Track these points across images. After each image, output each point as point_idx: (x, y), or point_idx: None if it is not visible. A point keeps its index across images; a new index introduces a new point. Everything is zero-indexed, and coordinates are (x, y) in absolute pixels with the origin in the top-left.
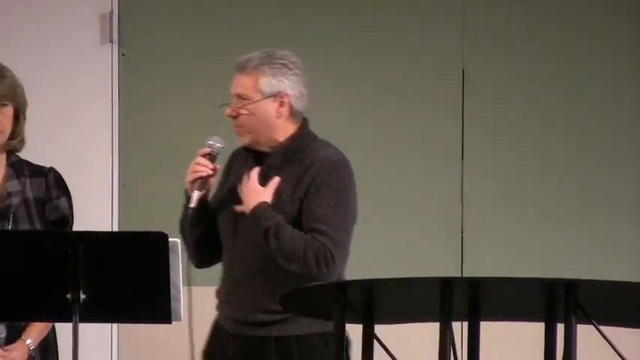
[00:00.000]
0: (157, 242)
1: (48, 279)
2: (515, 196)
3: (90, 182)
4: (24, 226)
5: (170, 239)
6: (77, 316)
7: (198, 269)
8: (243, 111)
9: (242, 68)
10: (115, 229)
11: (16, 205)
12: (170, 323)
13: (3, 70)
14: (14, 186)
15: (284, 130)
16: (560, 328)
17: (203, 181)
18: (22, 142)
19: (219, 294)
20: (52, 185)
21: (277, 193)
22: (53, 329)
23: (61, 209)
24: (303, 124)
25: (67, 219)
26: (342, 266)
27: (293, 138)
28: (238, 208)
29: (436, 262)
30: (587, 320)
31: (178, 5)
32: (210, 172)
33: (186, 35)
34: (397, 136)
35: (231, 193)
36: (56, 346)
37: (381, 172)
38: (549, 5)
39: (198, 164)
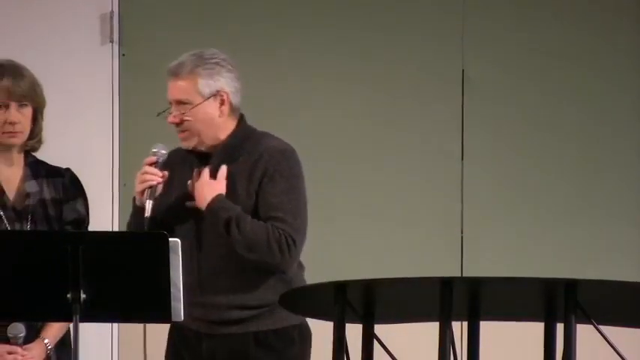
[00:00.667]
0: (157, 242)
1: (48, 279)
2: (515, 196)
3: (90, 182)
4: (42, 226)
5: (170, 239)
6: (77, 316)
7: None
8: (187, 117)
9: (176, 74)
10: (115, 229)
11: (35, 206)
12: (170, 323)
13: (22, 70)
14: (32, 186)
15: (225, 127)
16: (560, 328)
17: (153, 190)
18: (40, 142)
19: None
20: (68, 186)
21: (232, 190)
22: (68, 329)
23: (78, 210)
24: (241, 118)
25: (84, 220)
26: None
27: (234, 134)
28: (189, 203)
29: (436, 262)
30: (587, 320)
31: (178, 5)
32: (160, 179)
33: (186, 35)
34: (397, 136)
35: (182, 197)
36: (71, 347)
37: (381, 172)
38: (549, 6)
39: (147, 173)
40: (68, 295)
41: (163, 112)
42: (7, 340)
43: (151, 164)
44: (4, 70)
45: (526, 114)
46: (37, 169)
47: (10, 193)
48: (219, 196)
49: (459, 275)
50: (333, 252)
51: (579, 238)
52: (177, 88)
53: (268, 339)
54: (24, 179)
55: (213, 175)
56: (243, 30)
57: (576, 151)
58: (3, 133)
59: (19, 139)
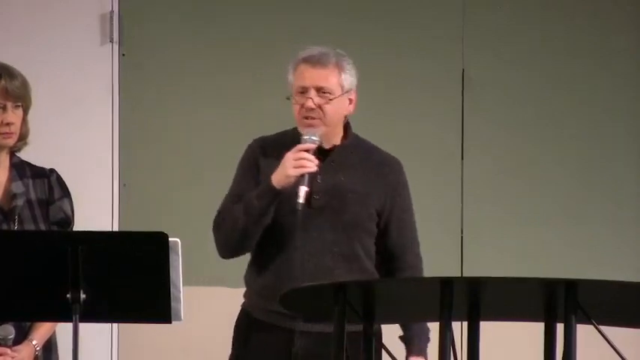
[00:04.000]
0: (157, 242)
1: (48, 279)
2: (515, 195)
3: (90, 182)
4: (29, 227)
5: (170, 239)
6: (77, 316)
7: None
8: (327, 105)
9: (320, 62)
10: (115, 229)
11: (21, 207)
12: (170, 323)
13: (13, 70)
14: (18, 187)
15: (340, 127)
16: (560, 328)
17: (307, 176)
18: (26, 142)
19: (269, 290)
20: (54, 186)
21: (355, 190)
22: (55, 330)
23: (64, 210)
24: (349, 122)
25: (70, 220)
26: None
27: (349, 135)
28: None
29: (436, 262)
30: (587, 320)
31: (178, 5)
32: (317, 168)
33: (187, 35)
34: (397, 135)
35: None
36: (57, 347)
37: None
38: (549, 6)
39: (305, 159)
40: (68, 296)
41: (288, 98)
42: None
43: (306, 151)
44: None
45: (526, 114)
46: (23, 169)
47: None
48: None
49: (459, 275)
50: None
51: (579, 238)
52: (321, 76)
53: (359, 339)
54: (10, 180)
55: (328, 169)
56: (243, 30)
57: (576, 151)
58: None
59: (13, 140)
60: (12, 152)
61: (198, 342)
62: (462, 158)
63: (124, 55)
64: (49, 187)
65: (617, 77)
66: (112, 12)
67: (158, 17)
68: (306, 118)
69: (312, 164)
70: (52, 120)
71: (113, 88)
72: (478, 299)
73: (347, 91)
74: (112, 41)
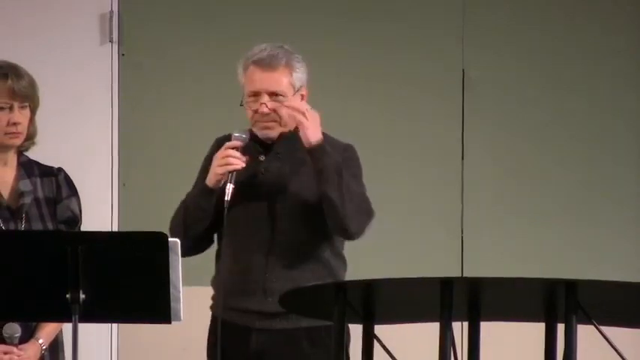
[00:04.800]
0: (157, 242)
1: (48, 279)
2: (515, 196)
3: (90, 182)
4: (36, 225)
5: (170, 239)
6: (77, 316)
7: (196, 269)
8: (282, 109)
9: (270, 65)
10: (115, 229)
11: (29, 205)
12: (170, 323)
13: (20, 70)
14: (26, 185)
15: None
16: (560, 328)
17: (234, 174)
18: (34, 142)
19: (223, 286)
20: (62, 185)
21: (298, 175)
22: (62, 330)
23: (72, 209)
24: None
25: (77, 219)
26: None
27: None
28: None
29: (436, 262)
30: (587, 320)
31: (178, 5)
32: (244, 165)
33: (187, 35)
34: (397, 136)
35: (247, 183)
36: (63, 347)
37: (381, 171)
38: (549, 6)
39: (231, 156)
40: (67, 296)
41: (241, 104)
42: (2, 340)
43: (233, 148)
44: (5, 70)
45: (526, 114)
46: (31, 168)
47: (5, 193)
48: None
49: (459, 275)
50: None
51: (579, 238)
52: (272, 80)
53: (321, 335)
54: (18, 178)
55: (275, 162)
56: (243, 30)
57: (576, 150)
58: (6, 134)
59: (20, 140)
60: (20, 151)
61: (198, 342)
62: (462, 158)
63: (123, 55)
64: (56, 186)
65: (617, 77)
66: (111, 12)
67: (158, 17)
68: (264, 122)
69: (237, 161)
70: (52, 120)
71: (113, 88)
72: (478, 299)
73: (298, 90)
74: (111, 41)
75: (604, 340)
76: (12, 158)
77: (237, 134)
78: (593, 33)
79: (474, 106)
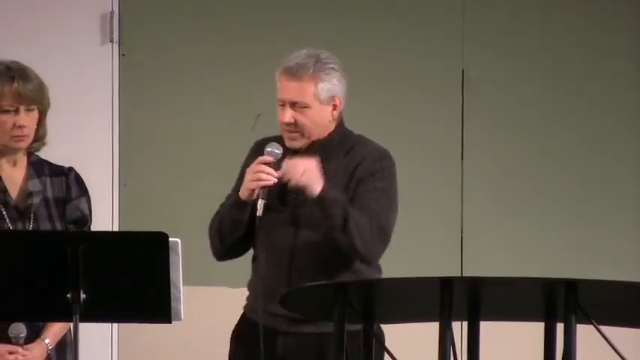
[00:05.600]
0: (157, 242)
1: (48, 279)
2: (515, 196)
3: (90, 182)
4: (44, 225)
5: (170, 239)
6: (77, 316)
7: (196, 269)
8: (303, 119)
9: (295, 74)
10: (115, 229)
11: (37, 205)
12: (170, 323)
13: (29, 72)
14: (35, 185)
15: (330, 128)
16: (560, 328)
17: (266, 189)
18: (44, 143)
19: (255, 289)
20: (72, 185)
21: (331, 184)
22: (69, 329)
23: (81, 209)
24: (341, 121)
25: (87, 219)
26: None
27: (332, 135)
28: (291, 185)
29: (436, 262)
30: (587, 320)
31: (178, 5)
32: (276, 180)
33: (187, 35)
34: (397, 136)
35: (279, 189)
36: (71, 346)
37: None
38: (549, 6)
39: (262, 172)
40: (68, 295)
41: (254, 124)
42: (8, 340)
43: (266, 163)
44: (13, 72)
45: (526, 114)
46: (41, 167)
47: (13, 192)
48: (327, 187)
49: (459, 275)
50: None
51: (579, 238)
52: (296, 90)
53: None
54: (27, 178)
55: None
56: (243, 30)
57: (576, 150)
58: (11, 137)
59: (26, 143)
60: (30, 151)
61: (198, 342)
62: (462, 158)
63: (124, 55)
64: (66, 186)
65: (617, 77)
66: (112, 12)
67: (158, 17)
68: (286, 131)
69: (269, 177)
70: (51, 119)
71: (113, 88)
72: (478, 299)
73: (326, 101)
74: (112, 41)
75: (604, 340)
76: (21, 158)
77: (269, 149)
78: (593, 33)
79: (473, 106)
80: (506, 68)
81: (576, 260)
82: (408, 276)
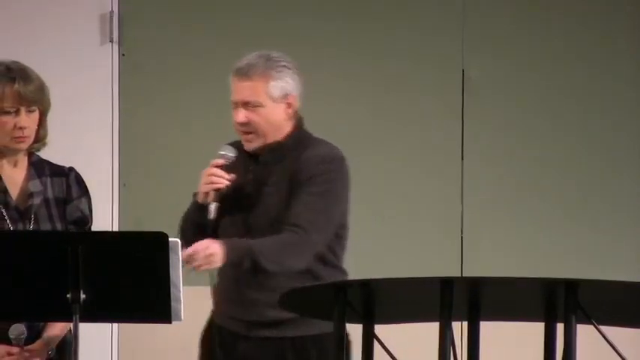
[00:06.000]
0: (157, 242)
1: (48, 279)
2: (515, 196)
3: (90, 182)
4: (45, 226)
5: (170, 239)
6: (77, 316)
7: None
8: (256, 118)
9: (246, 74)
10: (115, 229)
11: (38, 205)
12: (170, 323)
13: (30, 73)
14: (36, 186)
15: (286, 129)
16: (560, 328)
17: (219, 192)
18: (44, 144)
19: (217, 294)
20: (72, 185)
21: (275, 191)
22: (70, 329)
23: (82, 209)
24: (299, 122)
25: (87, 219)
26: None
27: (289, 136)
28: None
29: (436, 262)
30: (587, 320)
31: (178, 5)
32: (228, 183)
33: (187, 35)
34: (397, 136)
35: (233, 196)
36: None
37: (381, 171)
38: (549, 6)
39: (214, 175)
40: (68, 295)
41: (227, 152)
42: (8, 341)
43: (218, 166)
44: (13, 73)
45: (526, 114)
46: (41, 168)
47: (14, 193)
48: (224, 246)
49: (459, 275)
50: None
51: (580, 238)
52: (248, 89)
53: (305, 345)
54: (27, 179)
55: (260, 173)
56: (243, 30)
57: (576, 150)
58: (12, 138)
59: (27, 144)
60: (31, 152)
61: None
62: (462, 158)
63: (124, 55)
64: (67, 186)
65: (617, 78)
66: (111, 12)
67: (158, 17)
68: (242, 132)
69: (221, 180)
70: (51, 120)
71: (113, 88)
72: (478, 299)
73: (279, 99)
74: (112, 41)
75: (604, 340)
76: (22, 159)
77: (222, 152)
78: (593, 34)
79: (473, 107)
80: (506, 68)
81: (576, 260)
82: (408, 276)
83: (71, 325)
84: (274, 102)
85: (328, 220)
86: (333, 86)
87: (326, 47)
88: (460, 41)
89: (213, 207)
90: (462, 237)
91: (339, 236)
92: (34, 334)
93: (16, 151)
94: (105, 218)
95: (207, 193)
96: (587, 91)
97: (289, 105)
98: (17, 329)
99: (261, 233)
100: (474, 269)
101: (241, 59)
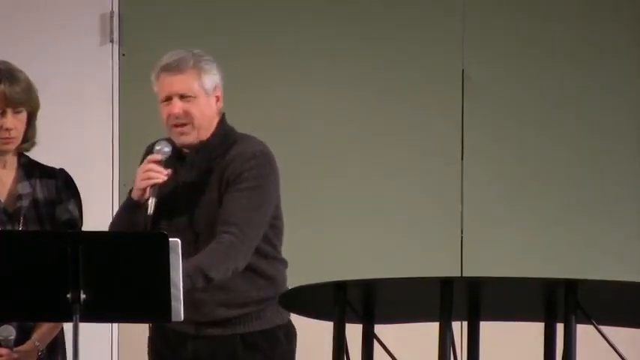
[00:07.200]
0: (157, 242)
1: (48, 279)
2: (515, 196)
3: (90, 182)
4: (33, 227)
5: (170, 239)
6: (77, 316)
7: None
8: (192, 109)
9: (178, 68)
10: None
11: (27, 207)
12: (170, 323)
13: (18, 74)
14: (25, 188)
15: (214, 125)
16: (560, 328)
17: (156, 188)
18: (34, 143)
19: None
20: (62, 187)
21: (206, 194)
22: (61, 329)
23: (71, 211)
24: (223, 118)
25: (77, 221)
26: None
27: (214, 134)
28: None
29: (436, 262)
30: (587, 320)
31: (178, 5)
32: (165, 177)
33: (186, 35)
34: (397, 136)
35: (169, 193)
36: (64, 347)
37: (381, 172)
38: (549, 6)
39: (151, 170)
40: (68, 295)
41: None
42: None
43: (155, 162)
44: (0, 75)
45: (526, 114)
46: (31, 170)
47: (2, 195)
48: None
49: (459, 275)
50: (334, 252)
51: (579, 238)
52: (181, 82)
53: (256, 340)
54: (17, 180)
55: (190, 173)
56: (242, 30)
57: (576, 150)
58: None
59: (14, 145)
60: (20, 152)
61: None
62: (462, 158)
63: (124, 55)
64: (56, 188)
65: (617, 77)
66: (112, 12)
67: (158, 17)
68: (176, 125)
69: (159, 175)
70: (51, 120)
71: (113, 88)
72: (478, 299)
73: (211, 91)
74: (112, 41)
75: (604, 340)
76: (12, 160)
77: (158, 147)
78: (593, 33)
79: (473, 106)
80: (507, 68)
81: (576, 260)
82: (408, 276)
83: (62, 325)
84: (207, 95)
85: (262, 214)
86: (333, 85)
87: (325, 48)
88: (460, 41)
89: (151, 202)
90: (462, 237)
91: (274, 227)
92: (23, 336)
93: (3, 152)
94: (105, 218)
95: (144, 190)
96: (587, 92)
97: (218, 98)
98: (6, 330)
99: (206, 237)
100: (474, 269)
101: (162, 59)
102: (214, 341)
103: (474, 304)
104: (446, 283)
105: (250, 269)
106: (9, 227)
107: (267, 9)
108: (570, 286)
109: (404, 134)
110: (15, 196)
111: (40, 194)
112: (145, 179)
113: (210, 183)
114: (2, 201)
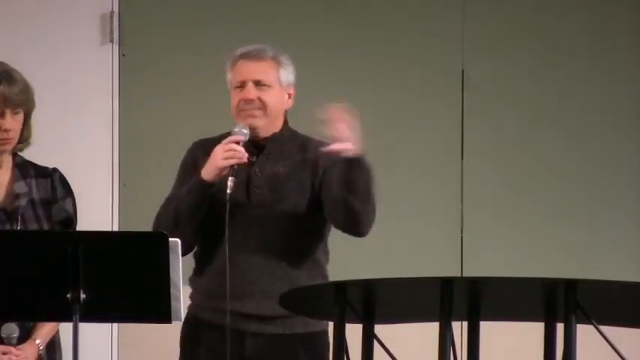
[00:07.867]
0: (157, 242)
1: (48, 279)
2: (515, 195)
3: (90, 182)
4: (32, 226)
5: (170, 239)
6: (77, 316)
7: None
8: (267, 97)
9: (257, 56)
10: (115, 229)
11: (24, 207)
12: (170, 323)
13: (14, 74)
14: (21, 187)
15: (280, 122)
16: (560, 328)
17: (235, 168)
18: (29, 143)
19: (215, 289)
20: (57, 186)
21: (289, 179)
22: (58, 330)
23: (67, 210)
24: (286, 118)
25: (72, 220)
26: None
27: (284, 129)
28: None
29: (436, 262)
30: (587, 320)
31: (178, 5)
32: (246, 158)
33: (187, 35)
34: (397, 135)
35: (242, 184)
36: (60, 347)
37: (381, 171)
38: (549, 5)
39: (234, 150)
40: (68, 295)
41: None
42: (0, 341)
43: (236, 142)
44: None
45: (526, 114)
46: (26, 169)
47: (0, 195)
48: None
49: (459, 275)
50: (333, 252)
51: (579, 237)
52: (259, 69)
53: (312, 342)
54: (13, 180)
55: (262, 162)
56: (242, 30)
57: (576, 150)
58: None
59: (11, 145)
60: (15, 152)
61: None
62: (462, 158)
63: (124, 55)
64: (52, 187)
65: (617, 77)
66: (112, 12)
67: (158, 17)
68: (247, 110)
69: (241, 154)
70: (52, 120)
71: (113, 88)
72: (478, 299)
73: (285, 87)
74: (112, 41)
75: (604, 340)
76: (7, 160)
77: (236, 129)
78: (593, 33)
79: (473, 106)
80: (506, 68)
81: (576, 260)
82: (408, 276)
83: (60, 325)
84: (281, 87)
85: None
86: (332, 86)
87: (326, 47)
88: (460, 41)
89: (232, 181)
90: (462, 237)
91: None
92: (24, 334)
93: (0, 153)
94: (105, 218)
95: (221, 170)
96: (587, 91)
97: (290, 96)
98: (9, 329)
99: (288, 222)
100: (474, 269)
101: (242, 48)
102: (274, 339)
103: (474, 304)
104: (446, 283)
105: (313, 261)
106: (7, 226)
107: (267, 9)
108: (570, 286)
109: (404, 133)
110: (12, 196)
111: (36, 194)
112: (227, 158)
113: (294, 173)
114: (0, 200)
